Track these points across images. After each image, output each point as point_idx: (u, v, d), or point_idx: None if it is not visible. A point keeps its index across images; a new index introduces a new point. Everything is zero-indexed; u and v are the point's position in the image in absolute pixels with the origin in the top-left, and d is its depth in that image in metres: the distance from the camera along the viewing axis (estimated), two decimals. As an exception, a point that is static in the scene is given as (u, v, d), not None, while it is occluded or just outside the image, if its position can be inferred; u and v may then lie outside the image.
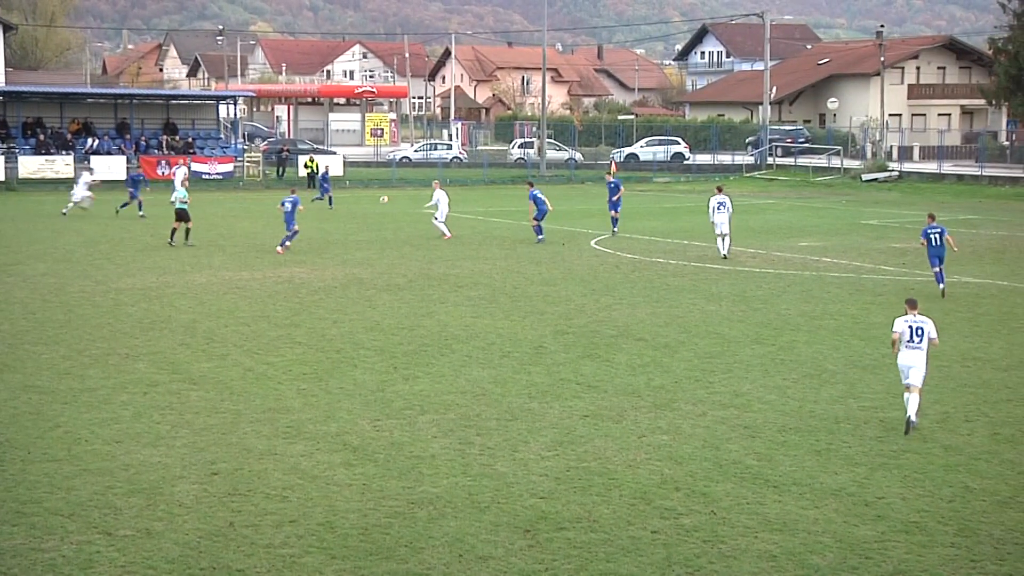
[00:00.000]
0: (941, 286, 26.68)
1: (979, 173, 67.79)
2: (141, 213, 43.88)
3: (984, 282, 28.68)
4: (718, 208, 33.18)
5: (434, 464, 13.97)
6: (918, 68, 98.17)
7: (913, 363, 15.65)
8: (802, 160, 78.89)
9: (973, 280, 29.11)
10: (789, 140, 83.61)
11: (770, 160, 79.78)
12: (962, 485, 13.33)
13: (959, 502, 12.82)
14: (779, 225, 40.86)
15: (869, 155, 79.15)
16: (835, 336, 21.90)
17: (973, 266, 31.74)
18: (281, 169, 66.94)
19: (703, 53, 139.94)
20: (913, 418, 15.41)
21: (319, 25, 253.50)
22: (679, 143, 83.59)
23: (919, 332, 15.77)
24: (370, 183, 64.67)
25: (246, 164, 66.75)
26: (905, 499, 12.88)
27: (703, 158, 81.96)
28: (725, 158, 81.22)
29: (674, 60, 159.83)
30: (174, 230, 34.96)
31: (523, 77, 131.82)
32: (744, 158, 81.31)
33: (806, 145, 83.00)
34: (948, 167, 71.28)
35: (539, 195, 36.35)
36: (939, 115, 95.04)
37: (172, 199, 36.01)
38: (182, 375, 18.39)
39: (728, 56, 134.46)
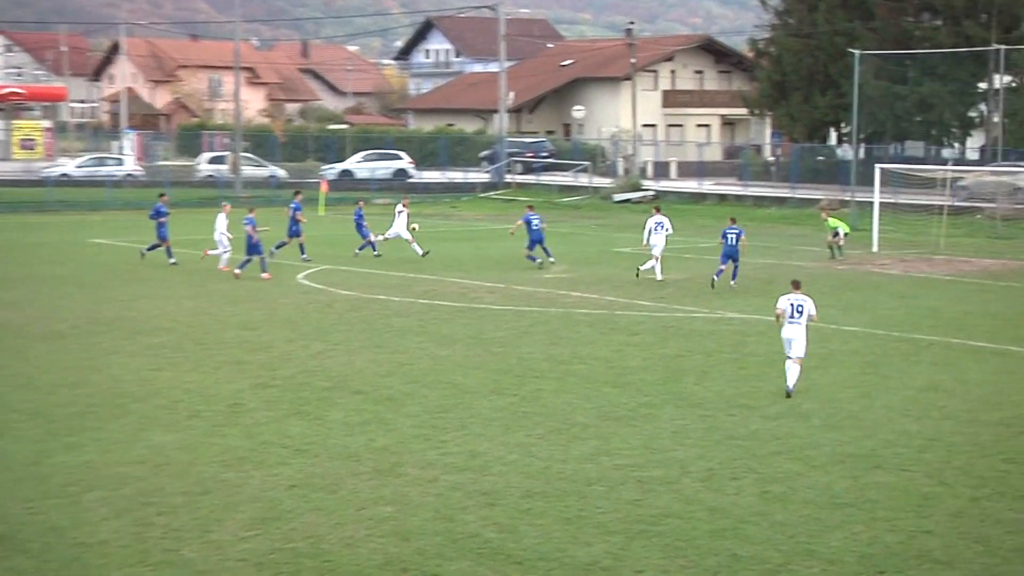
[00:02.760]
0: (715, 277, 34.77)
1: (743, 193, 71.23)
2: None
3: (750, 318, 30.10)
4: (655, 229, 36.91)
5: (104, 552, 13.56)
6: (673, 72, 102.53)
7: (794, 336, 21.21)
8: (545, 177, 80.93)
9: (738, 316, 30.53)
10: (530, 154, 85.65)
11: (508, 178, 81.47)
12: (729, 553, 13.91)
13: (725, 573, 13.35)
14: (520, 254, 41.72)
15: (621, 172, 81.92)
16: (586, 383, 22.50)
17: (739, 300, 33.26)
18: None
19: (428, 52, 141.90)
20: (790, 387, 21.10)
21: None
22: (402, 158, 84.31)
23: (799, 309, 21.26)
24: (19, 207, 62.30)
25: None
26: (666, 572, 13.33)
27: (431, 175, 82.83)
28: (456, 175, 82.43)
29: (394, 59, 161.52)
30: None
31: (212, 78, 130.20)
32: (479, 175, 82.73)
33: (550, 160, 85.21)
34: (709, 186, 74.56)
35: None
36: (698, 126, 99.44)
37: None
38: None
39: (457, 55, 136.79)
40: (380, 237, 42.96)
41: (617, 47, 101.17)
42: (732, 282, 35.11)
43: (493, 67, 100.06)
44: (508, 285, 35.62)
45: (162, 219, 40.17)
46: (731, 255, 34.96)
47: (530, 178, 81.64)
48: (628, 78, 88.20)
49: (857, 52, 61.15)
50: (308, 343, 26.13)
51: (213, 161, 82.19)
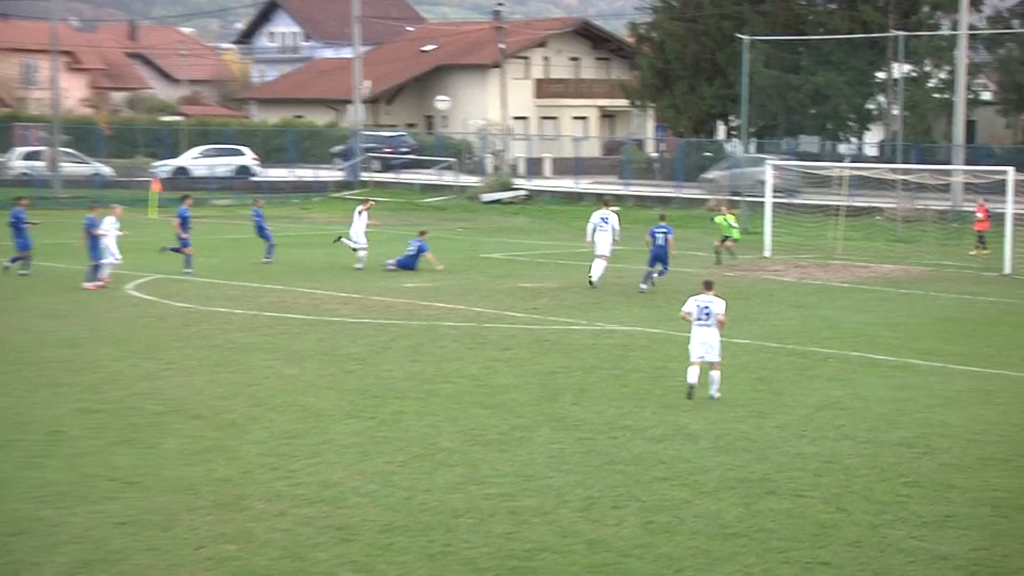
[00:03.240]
0: (643, 287, 36.24)
1: (624, 192, 71.90)
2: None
3: (633, 330, 30.40)
4: (600, 225, 37.55)
5: (-94, 604, 13.28)
6: (546, 59, 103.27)
7: (703, 339, 22.29)
8: (406, 175, 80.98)
9: (620, 328, 30.81)
10: (388, 150, 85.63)
11: (365, 176, 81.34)
12: (611, 588, 14.03)
13: (608, 610, 13.48)
14: (378, 261, 41.70)
15: (490, 169, 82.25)
16: (452, 404, 22.54)
17: (620, 311, 33.57)
18: None
19: (272, 35, 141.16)
20: (715, 394, 22.36)
21: None
22: (244, 153, 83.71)
23: (706, 311, 22.30)
24: None
25: None
26: (542, 610, 13.42)
27: (278, 173, 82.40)
28: (306, 173, 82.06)
29: (235, 43, 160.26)
30: None
31: (25, 63, 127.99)
32: (331, 173, 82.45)
33: (411, 156, 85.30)
34: (586, 184, 75.14)
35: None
36: (574, 119, 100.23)
37: None
38: None
39: (306, 39, 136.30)
40: (348, 241, 42.80)
41: (484, 31, 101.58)
42: (643, 286, 36.72)
43: (346, 52, 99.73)
44: (365, 295, 35.55)
45: (23, 225, 39.25)
46: (660, 257, 36.66)
47: (389, 176, 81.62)
48: (497, 65, 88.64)
49: (746, 38, 62.15)
50: (138, 362, 25.82)
51: (27, 157, 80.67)
